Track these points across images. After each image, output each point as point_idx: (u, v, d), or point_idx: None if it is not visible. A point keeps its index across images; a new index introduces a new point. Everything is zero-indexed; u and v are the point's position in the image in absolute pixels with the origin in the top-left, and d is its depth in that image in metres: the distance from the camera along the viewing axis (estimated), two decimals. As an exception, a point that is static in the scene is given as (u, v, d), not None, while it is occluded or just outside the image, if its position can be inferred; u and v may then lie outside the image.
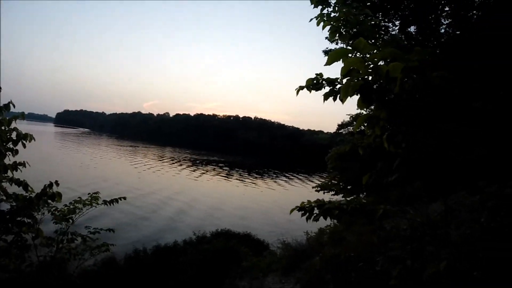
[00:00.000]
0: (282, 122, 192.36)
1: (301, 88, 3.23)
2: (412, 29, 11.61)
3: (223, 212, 36.85)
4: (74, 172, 46.29)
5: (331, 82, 3.01)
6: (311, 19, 4.42)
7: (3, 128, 6.22)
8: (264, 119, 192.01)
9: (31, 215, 6.84)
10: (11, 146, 6.33)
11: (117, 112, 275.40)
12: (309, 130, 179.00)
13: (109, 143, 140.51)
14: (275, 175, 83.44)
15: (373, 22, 4.19)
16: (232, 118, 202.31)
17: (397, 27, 11.48)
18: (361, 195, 14.68)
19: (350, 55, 2.51)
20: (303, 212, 3.62)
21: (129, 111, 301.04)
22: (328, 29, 3.90)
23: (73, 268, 8.59)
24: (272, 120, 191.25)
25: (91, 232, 8.75)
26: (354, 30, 3.81)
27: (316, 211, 3.56)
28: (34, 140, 6.45)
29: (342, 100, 2.61)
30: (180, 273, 13.19)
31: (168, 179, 59.36)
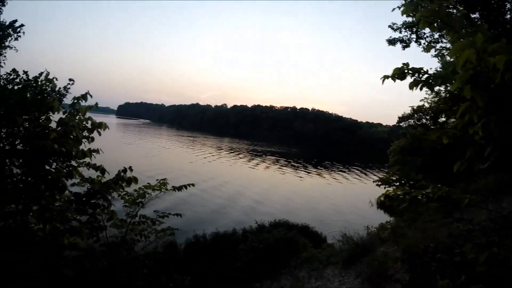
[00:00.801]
0: (338, 114, 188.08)
1: (386, 77, 3.29)
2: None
3: (281, 202, 37.02)
4: (139, 161, 48.32)
5: (416, 71, 3.15)
6: (393, 9, 4.44)
7: (79, 116, 6.74)
8: (322, 111, 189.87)
9: (106, 198, 7.29)
10: (87, 134, 6.80)
11: (176, 104, 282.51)
12: (367, 122, 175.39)
13: (169, 133, 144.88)
14: (332, 168, 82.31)
15: (459, 14, 4.23)
16: (289, 110, 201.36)
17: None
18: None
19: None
20: (387, 199, 3.66)
21: (187, 102, 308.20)
22: (418, 20, 3.95)
23: (139, 249, 9.02)
24: (330, 112, 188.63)
25: (160, 216, 9.11)
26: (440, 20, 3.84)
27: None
28: (108, 129, 6.90)
29: (432, 88, 3.05)
30: (238, 260, 13.43)
31: (227, 168, 60.62)
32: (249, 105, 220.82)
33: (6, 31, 11.09)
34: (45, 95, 9.07)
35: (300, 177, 61.72)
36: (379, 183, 27.96)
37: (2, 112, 6.66)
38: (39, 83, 9.31)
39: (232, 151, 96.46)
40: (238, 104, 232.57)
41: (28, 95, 8.48)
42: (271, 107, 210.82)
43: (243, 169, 62.99)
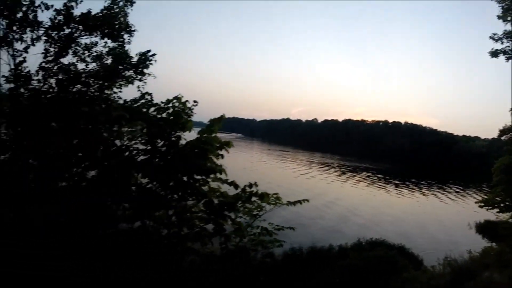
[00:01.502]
0: (430, 126, 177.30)
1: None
2: None
3: (374, 220, 36.42)
4: (237, 173, 49.87)
5: None
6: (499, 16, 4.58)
7: (214, 135, 8.02)
8: (415, 124, 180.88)
9: (235, 210, 8.40)
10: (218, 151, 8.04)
11: (267, 119, 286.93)
12: (464, 136, 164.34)
13: (261, 147, 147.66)
14: (424, 186, 78.09)
15: None
16: (380, 124, 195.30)
17: None
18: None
19: None
20: (489, 224, 3.90)
21: (278, 117, 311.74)
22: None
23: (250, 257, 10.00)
24: (423, 125, 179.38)
25: (275, 229, 9.93)
26: None
27: None
28: (233, 147, 8.04)
29: None
30: (336, 276, 13.74)
31: (322, 184, 60.65)
32: (340, 120, 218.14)
33: (148, 60, 12.42)
34: (179, 115, 10.57)
35: (391, 193, 59.94)
36: (482, 204, 26.54)
37: (156, 131, 8.14)
38: (172, 104, 10.89)
39: (324, 166, 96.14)
40: (329, 118, 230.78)
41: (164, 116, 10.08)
42: (362, 121, 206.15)
43: (335, 183, 62.62)
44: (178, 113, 10.95)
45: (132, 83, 12.53)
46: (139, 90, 12.44)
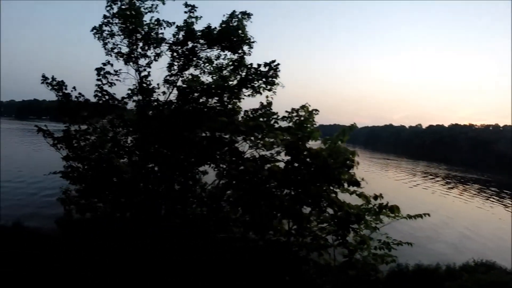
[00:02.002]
0: None
1: None
2: None
3: (488, 240, 33.70)
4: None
5: None
6: None
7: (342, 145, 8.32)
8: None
9: (363, 222, 8.51)
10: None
11: (369, 125, 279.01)
12: None
13: (363, 155, 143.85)
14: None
15: None
16: (490, 128, 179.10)
17: None
18: None
19: None
20: None
21: (380, 123, 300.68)
22: None
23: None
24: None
25: (394, 243, 9.79)
26: None
27: None
28: (358, 156, 8.15)
29: None
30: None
31: (431, 197, 57.48)
32: (446, 125, 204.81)
33: (275, 70, 12.84)
34: (305, 125, 10.92)
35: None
36: None
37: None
38: (296, 113, 11.29)
39: (430, 176, 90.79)
40: (434, 123, 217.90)
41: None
42: (470, 125, 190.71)
43: (445, 197, 59.01)
44: (304, 122, 11.25)
45: (261, 93, 13.05)
46: (267, 101, 13.02)
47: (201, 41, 12.86)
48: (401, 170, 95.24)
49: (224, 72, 13.60)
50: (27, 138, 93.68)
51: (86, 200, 13.29)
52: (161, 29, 13.07)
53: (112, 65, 13.12)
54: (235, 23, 12.86)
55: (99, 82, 13.16)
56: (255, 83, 12.97)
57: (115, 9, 12.85)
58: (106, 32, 13.19)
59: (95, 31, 13.17)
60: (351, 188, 9.73)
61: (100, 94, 13.28)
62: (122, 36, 13.17)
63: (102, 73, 13.06)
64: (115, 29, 13.13)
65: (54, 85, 13.19)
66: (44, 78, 13.07)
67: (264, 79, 12.85)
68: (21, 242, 13.95)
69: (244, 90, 13.19)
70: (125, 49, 13.29)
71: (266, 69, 12.80)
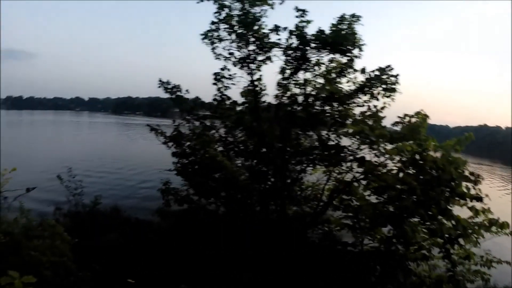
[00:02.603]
0: None
1: None
2: None
3: None
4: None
5: None
6: None
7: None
8: None
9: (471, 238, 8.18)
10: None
11: (461, 125, 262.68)
12: None
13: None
14: None
15: None
16: None
17: None
18: None
19: None
20: None
21: (474, 123, 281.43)
22: None
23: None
24: None
25: (494, 261, 9.27)
26: None
27: None
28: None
29: None
30: None
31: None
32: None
33: (394, 76, 12.65)
34: (417, 131, 10.62)
35: None
36: None
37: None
38: (408, 119, 11.05)
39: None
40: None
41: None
42: None
43: None
44: (417, 128, 10.95)
45: (377, 99, 12.81)
46: (383, 107, 12.84)
47: (313, 45, 12.82)
48: (495, 178, 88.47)
49: (332, 75, 13.44)
50: (122, 131, 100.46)
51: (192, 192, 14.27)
52: (274, 34, 13.26)
53: (229, 70, 13.84)
54: (345, 26, 12.68)
55: (216, 86, 14.04)
56: (374, 89, 12.68)
57: (223, 15, 13.29)
58: (214, 37, 13.68)
59: (203, 36, 13.69)
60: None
61: (219, 98, 14.08)
62: (231, 41, 13.60)
63: (219, 77, 13.82)
64: (223, 34, 13.58)
65: (169, 88, 14.22)
66: (161, 82, 14.26)
67: (384, 86, 12.56)
68: (120, 227, 15.23)
69: (361, 95, 12.99)
70: (236, 53, 13.75)
71: (379, 73, 12.60)
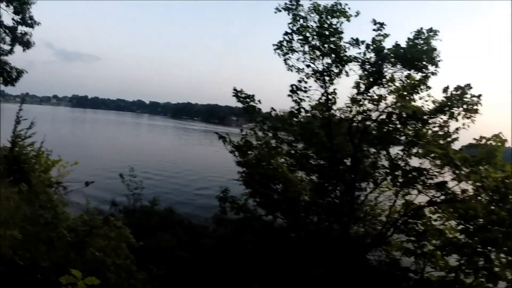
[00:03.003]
0: None
1: None
2: None
3: None
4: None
5: None
6: None
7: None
8: None
9: None
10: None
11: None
12: None
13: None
14: None
15: None
16: None
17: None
18: None
19: None
20: None
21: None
22: None
23: None
24: None
25: None
26: None
27: None
28: None
29: None
30: None
31: None
32: None
33: (479, 97, 12.00)
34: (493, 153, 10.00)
35: None
36: None
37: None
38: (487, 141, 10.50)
39: None
40: None
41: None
42: None
43: None
44: (492, 152, 10.39)
45: (457, 120, 12.10)
46: (457, 128, 12.20)
47: (389, 59, 12.29)
48: None
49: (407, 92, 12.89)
50: (180, 135, 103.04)
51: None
52: (351, 47, 12.87)
53: (306, 82, 13.55)
54: (421, 41, 12.12)
55: (292, 97, 13.83)
56: (455, 109, 11.94)
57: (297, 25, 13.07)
58: (287, 48, 13.50)
59: (276, 46, 13.54)
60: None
61: (296, 111, 13.93)
62: (303, 52, 13.36)
63: (294, 89, 13.61)
64: (296, 45, 13.36)
65: (242, 97, 14.31)
66: (236, 91, 14.28)
67: (465, 106, 11.80)
68: (174, 229, 15.41)
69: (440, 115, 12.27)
70: (308, 65, 13.48)
71: (459, 92, 11.86)
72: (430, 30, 12.16)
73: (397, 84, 12.84)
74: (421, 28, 12.20)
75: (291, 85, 13.58)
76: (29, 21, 16.01)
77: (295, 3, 12.72)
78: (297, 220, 13.96)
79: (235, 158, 14.59)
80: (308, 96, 13.61)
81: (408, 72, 12.51)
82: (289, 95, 13.69)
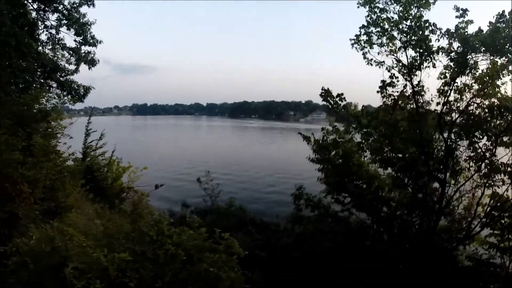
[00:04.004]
0: None
1: None
2: None
3: None
4: None
5: None
6: None
7: None
8: None
9: None
10: None
11: None
12: None
13: None
14: None
15: None
16: None
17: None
18: None
19: None
20: None
21: None
22: None
23: None
24: None
25: None
26: None
27: None
28: None
29: None
30: None
31: None
32: None
33: None
34: None
35: None
36: None
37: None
38: None
39: None
40: None
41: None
42: None
43: None
44: None
45: None
46: None
47: (476, 46, 11.81)
48: None
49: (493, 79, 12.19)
50: (240, 134, 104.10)
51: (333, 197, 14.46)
52: (434, 37, 12.51)
53: (397, 78, 13.31)
54: (503, 24, 11.48)
55: (381, 94, 13.68)
56: None
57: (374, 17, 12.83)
58: (365, 41, 13.31)
59: (354, 40, 13.40)
60: None
61: (389, 107, 13.70)
62: (381, 45, 13.14)
63: (385, 85, 13.44)
64: (374, 38, 13.14)
65: (330, 96, 14.47)
66: (325, 91, 14.51)
67: None
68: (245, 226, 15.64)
69: None
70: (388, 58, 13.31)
71: None
72: (512, 12, 11.50)
73: (480, 71, 12.28)
74: (503, 11, 11.55)
75: (382, 81, 13.38)
76: (91, 40, 16.80)
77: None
78: (382, 216, 13.80)
79: (310, 155, 14.57)
80: (397, 91, 13.33)
81: (492, 57, 11.92)
82: (378, 91, 13.54)
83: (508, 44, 11.47)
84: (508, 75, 11.93)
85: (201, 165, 35.15)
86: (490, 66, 11.98)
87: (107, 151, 17.33)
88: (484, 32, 11.67)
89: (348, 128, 14.34)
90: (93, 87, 17.23)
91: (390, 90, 13.38)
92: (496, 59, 11.93)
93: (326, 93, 14.43)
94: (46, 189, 8.34)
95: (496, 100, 11.90)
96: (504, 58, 11.80)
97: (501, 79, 12.02)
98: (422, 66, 12.66)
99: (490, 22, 11.68)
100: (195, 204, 19.12)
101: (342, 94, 14.29)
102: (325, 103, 14.52)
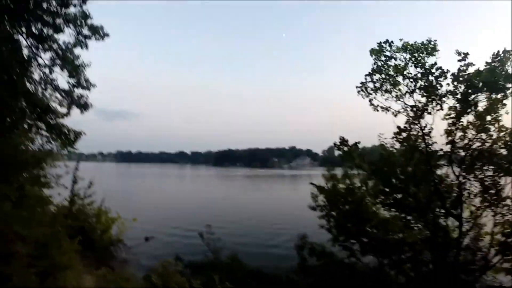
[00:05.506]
0: None
1: None
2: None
3: None
4: None
5: None
6: None
7: None
8: None
9: None
10: None
11: None
12: None
13: None
14: None
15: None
16: None
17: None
18: None
19: None
20: None
21: None
22: None
23: None
24: None
25: None
26: None
27: None
28: None
29: None
30: None
31: None
32: None
33: None
34: None
35: None
36: None
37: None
38: None
39: None
40: None
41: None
42: None
43: None
44: None
45: None
46: None
47: (477, 87, 12.28)
48: None
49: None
50: (226, 183, 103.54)
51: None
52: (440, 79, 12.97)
53: (419, 123, 13.42)
54: (498, 65, 12.11)
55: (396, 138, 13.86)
56: None
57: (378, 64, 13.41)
58: (371, 88, 13.74)
59: (360, 88, 13.83)
60: None
61: (407, 152, 13.84)
62: (385, 91, 13.59)
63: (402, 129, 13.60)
64: (378, 84, 13.58)
65: (346, 145, 14.66)
66: (342, 140, 14.68)
67: None
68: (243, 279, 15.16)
69: None
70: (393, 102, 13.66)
71: None
72: (505, 51, 12.14)
73: (480, 108, 12.61)
74: (498, 52, 12.20)
75: (397, 127, 13.57)
76: (85, 84, 15.76)
77: (384, 45, 13.18)
78: (393, 259, 13.67)
79: (310, 203, 14.57)
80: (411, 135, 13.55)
81: (489, 95, 12.36)
82: (393, 137, 13.77)
83: (503, 81, 12.00)
84: (503, 108, 12.33)
85: (192, 218, 34.71)
86: (489, 102, 12.35)
87: (95, 200, 16.80)
88: (482, 70, 12.17)
89: (358, 173, 14.64)
90: (84, 133, 16.43)
91: (404, 134, 13.58)
92: (492, 95, 12.34)
93: (341, 142, 14.56)
94: (39, 244, 7.85)
95: (495, 134, 12.31)
96: (501, 93, 12.22)
97: (497, 113, 12.38)
98: (433, 109, 12.99)
99: (486, 62, 12.24)
100: (189, 258, 18.37)
101: (359, 142, 14.54)
102: (330, 151, 14.73)
